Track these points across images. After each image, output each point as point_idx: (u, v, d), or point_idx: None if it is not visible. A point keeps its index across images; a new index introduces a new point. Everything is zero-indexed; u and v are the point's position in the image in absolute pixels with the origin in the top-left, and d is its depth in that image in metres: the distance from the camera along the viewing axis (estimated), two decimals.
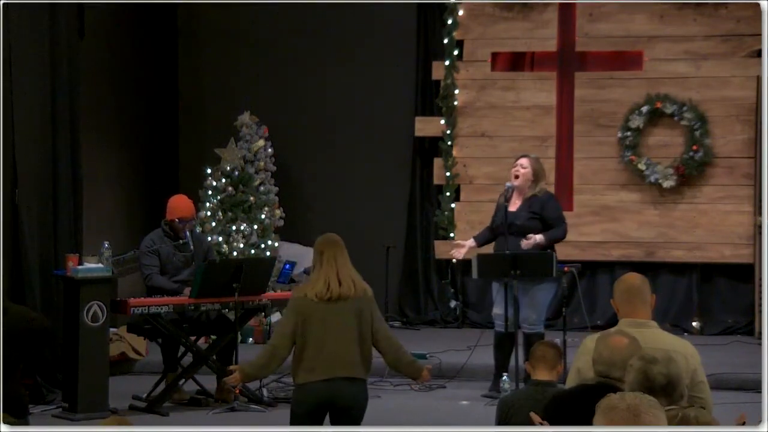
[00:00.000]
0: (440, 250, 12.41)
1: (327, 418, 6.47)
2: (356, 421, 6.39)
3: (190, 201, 9.45)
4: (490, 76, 12.35)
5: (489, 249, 9.56)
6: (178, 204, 9.30)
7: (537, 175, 9.35)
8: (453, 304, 12.45)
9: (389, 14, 12.63)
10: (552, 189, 11.74)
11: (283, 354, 6.43)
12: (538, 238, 9.19)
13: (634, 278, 5.54)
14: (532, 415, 5.19)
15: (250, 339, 11.04)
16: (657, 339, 5.23)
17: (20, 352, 6.39)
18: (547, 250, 9.22)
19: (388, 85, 12.75)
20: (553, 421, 4.80)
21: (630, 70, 12.12)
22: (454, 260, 12.35)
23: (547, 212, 9.32)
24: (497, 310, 9.26)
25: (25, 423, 6.49)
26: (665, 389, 4.09)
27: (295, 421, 6.40)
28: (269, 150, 12.29)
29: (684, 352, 5.13)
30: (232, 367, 6.88)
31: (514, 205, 9.29)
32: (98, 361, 8.69)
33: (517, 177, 9.32)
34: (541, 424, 5.04)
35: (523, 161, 9.39)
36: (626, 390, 4.20)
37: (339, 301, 6.34)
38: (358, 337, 6.35)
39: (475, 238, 9.68)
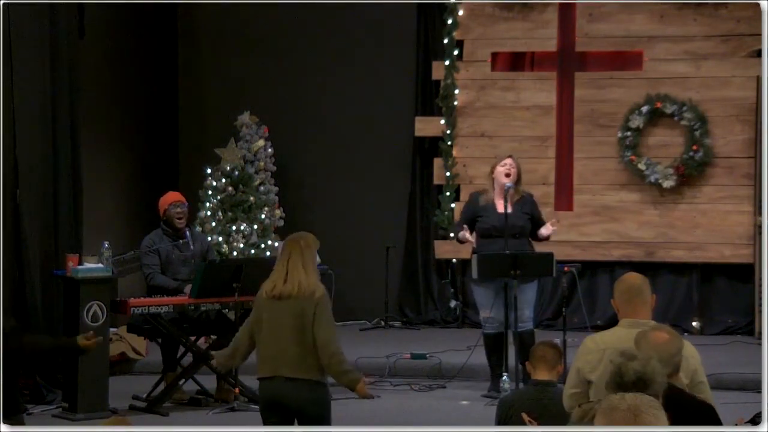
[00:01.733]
0: (440, 250, 12.42)
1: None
2: (319, 422, 6.27)
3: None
4: (490, 76, 12.35)
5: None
6: (165, 195, 9.43)
7: (520, 176, 9.45)
8: (453, 304, 12.45)
9: (389, 14, 12.63)
10: (552, 189, 11.80)
11: (242, 348, 6.46)
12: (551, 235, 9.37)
13: (634, 278, 5.54)
14: (523, 415, 5.21)
15: None
16: None
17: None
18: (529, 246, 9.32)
19: (388, 85, 12.75)
20: None
21: (630, 70, 12.12)
22: (454, 260, 12.37)
23: (536, 212, 9.45)
24: (489, 312, 9.23)
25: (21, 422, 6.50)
26: (636, 385, 4.12)
27: (263, 419, 6.36)
28: (269, 150, 12.30)
29: (684, 353, 5.13)
30: (213, 353, 7.04)
31: (501, 207, 9.27)
32: (98, 361, 8.68)
33: (508, 175, 9.33)
34: (530, 423, 5.06)
35: (511, 161, 9.42)
36: (604, 385, 4.24)
37: (282, 299, 6.29)
38: (298, 337, 6.23)
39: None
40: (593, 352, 5.32)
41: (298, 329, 6.24)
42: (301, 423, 6.29)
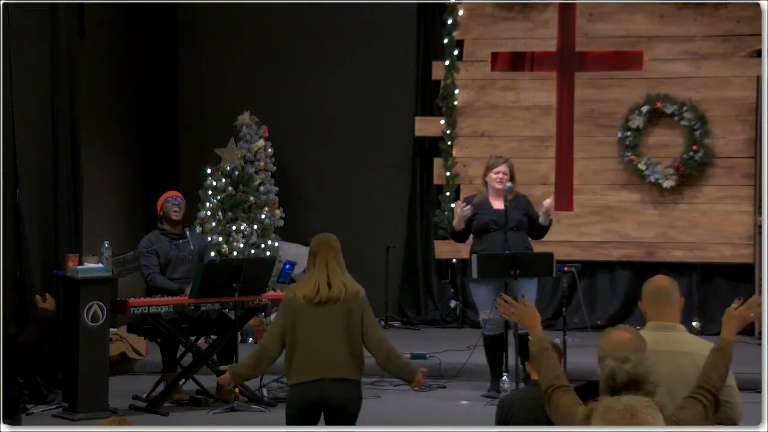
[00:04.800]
0: (440, 250, 12.42)
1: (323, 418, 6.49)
2: (350, 422, 6.40)
3: None
4: (490, 76, 12.35)
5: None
6: (163, 194, 9.47)
7: (513, 177, 9.52)
8: (453, 304, 12.45)
9: (389, 14, 12.63)
10: (552, 189, 11.80)
11: (272, 355, 6.45)
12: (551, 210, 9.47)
13: (662, 281, 5.48)
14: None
15: (250, 339, 11.04)
16: (682, 342, 5.21)
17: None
18: (528, 243, 9.34)
19: (388, 85, 12.76)
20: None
21: (630, 70, 12.12)
22: (454, 260, 12.38)
23: (531, 210, 9.54)
24: (488, 314, 9.24)
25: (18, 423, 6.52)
26: (627, 386, 4.14)
27: (290, 422, 6.42)
28: (269, 150, 12.30)
29: (705, 355, 5.11)
30: (223, 368, 6.88)
31: (495, 204, 9.39)
32: (98, 361, 8.69)
33: (500, 182, 9.44)
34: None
35: (504, 168, 9.49)
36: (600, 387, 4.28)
37: (328, 303, 6.34)
38: (346, 338, 6.34)
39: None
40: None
41: (346, 331, 6.35)
42: (333, 421, 6.37)
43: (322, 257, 6.45)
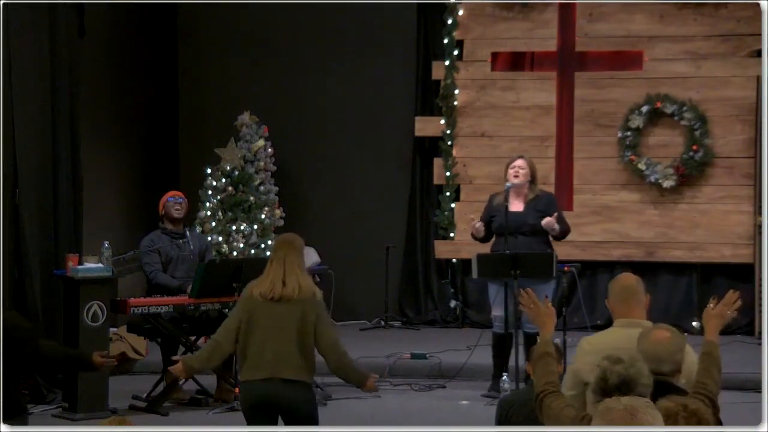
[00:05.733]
0: (440, 250, 12.42)
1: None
2: (310, 422, 6.34)
3: None
4: (490, 76, 12.35)
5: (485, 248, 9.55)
6: (165, 193, 9.50)
7: (534, 175, 9.41)
8: (453, 304, 12.45)
9: (389, 14, 12.63)
10: (552, 189, 11.77)
11: (225, 349, 6.45)
12: (557, 227, 9.21)
13: (628, 278, 5.56)
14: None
15: None
16: None
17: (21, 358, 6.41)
18: (549, 248, 9.23)
19: (388, 85, 12.75)
20: None
21: (630, 70, 12.12)
22: (454, 260, 12.38)
23: (552, 210, 9.33)
24: (498, 311, 9.25)
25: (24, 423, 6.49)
26: (619, 388, 4.16)
27: (247, 420, 6.39)
28: (269, 150, 12.30)
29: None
30: (175, 358, 6.89)
31: (515, 206, 9.29)
32: None
33: (516, 177, 9.33)
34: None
35: (521, 162, 9.39)
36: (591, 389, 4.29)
37: (282, 301, 6.30)
38: (298, 339, 6.28)
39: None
40: (590, 353, 5.32)
41: (298, 332, 6.29)
42: (289, 422, 6.33)
43: (280, 255, 6.42)
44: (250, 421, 6.36)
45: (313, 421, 6.37)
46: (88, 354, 6.98)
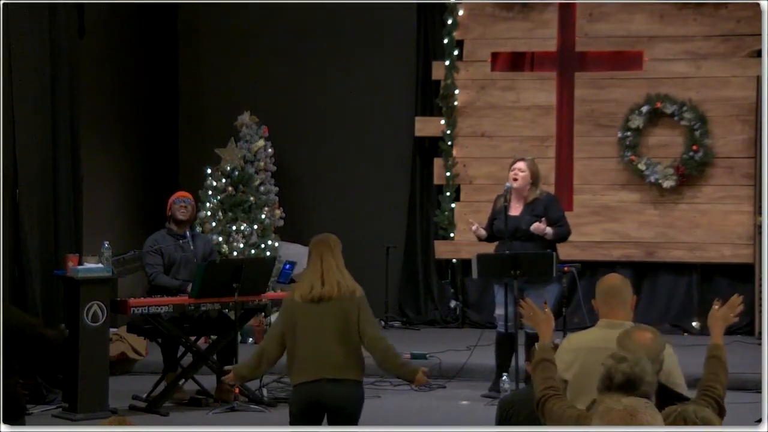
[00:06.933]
0: (440, 250, 12.42)
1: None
2: (351, 421, 6.40)
3: None
4: (490, 76, 12.35)
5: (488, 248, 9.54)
6: (173, 194, 9.50)
7: (535, 178, 9.33)
8: (453, 304, 12.46)
9: (389, 14, 12.63)
10: (552, 189, 11.76)
11: (271, 355, 6.48)
12: (549, 231, 9.15)
13: (614, 279, 5.59)
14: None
15: (250, 339, 11.04)
16: None
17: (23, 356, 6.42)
18: (548, 250, 9.20)
19: (388, 85, 12.76)
20: None
21: (630, 70, 12.12)
22: (454, 260, 12.38)
23: (551, 213, 9.26)
24: (501, 311, 9.23)
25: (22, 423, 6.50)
26: (623, 387, 4.16)
27: (293, 421, 6.44)
28: (269, 150, 12.30)
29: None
30: (227, 368, 6.93)
31: (515, 209, 9.26)
32: (98, 361, 8.68)
33: (516, 180, 9.30)
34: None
35: (521, 165, 9.32)
36: (596, 387, 4.30)
37: (322, 302, 6.34)
38: (341, 338, 6.32)
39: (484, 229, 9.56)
40: (568, 351, 5.38)
41: (341, 330, 6.34)
42: (334, 421, 6.36)
43: (317, 255, 6.46)
44: (295, 422, 6.39)
45: (356, 419, 6.40)
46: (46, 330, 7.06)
